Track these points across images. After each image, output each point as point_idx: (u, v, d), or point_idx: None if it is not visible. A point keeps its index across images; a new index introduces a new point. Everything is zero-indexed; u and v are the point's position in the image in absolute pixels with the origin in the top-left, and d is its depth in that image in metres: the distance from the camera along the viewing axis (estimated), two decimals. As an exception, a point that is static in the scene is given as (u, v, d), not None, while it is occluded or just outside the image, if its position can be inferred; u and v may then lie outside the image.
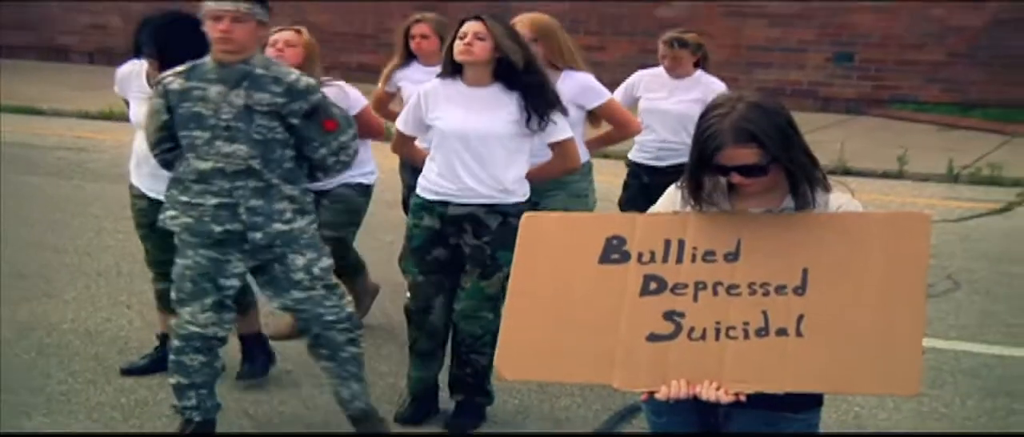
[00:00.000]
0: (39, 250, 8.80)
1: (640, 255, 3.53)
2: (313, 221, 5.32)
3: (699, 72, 7.54)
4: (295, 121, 5.08)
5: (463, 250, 5.55)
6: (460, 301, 5.58)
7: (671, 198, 3.70)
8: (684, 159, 7.21)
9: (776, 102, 3.54)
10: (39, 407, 5.97)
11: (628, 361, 3.43)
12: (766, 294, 3.42)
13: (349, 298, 5.44)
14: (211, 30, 5.00)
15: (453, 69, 5.53)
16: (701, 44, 7.53)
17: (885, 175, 12.63)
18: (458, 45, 5.44)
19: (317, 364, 5.52)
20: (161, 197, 5.40)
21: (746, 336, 3.39)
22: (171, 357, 5.36)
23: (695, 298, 3.45)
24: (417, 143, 5.94)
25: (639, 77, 7.62)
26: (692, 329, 3.42)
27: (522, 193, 5.57)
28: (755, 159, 3.44)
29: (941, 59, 16.69)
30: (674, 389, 3.35)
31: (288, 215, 5.16)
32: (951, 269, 8.78)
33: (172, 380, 5.37)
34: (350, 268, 6.81)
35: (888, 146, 13.68)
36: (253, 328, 6.32)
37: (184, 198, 5.15)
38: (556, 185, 6.07)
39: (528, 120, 5.45)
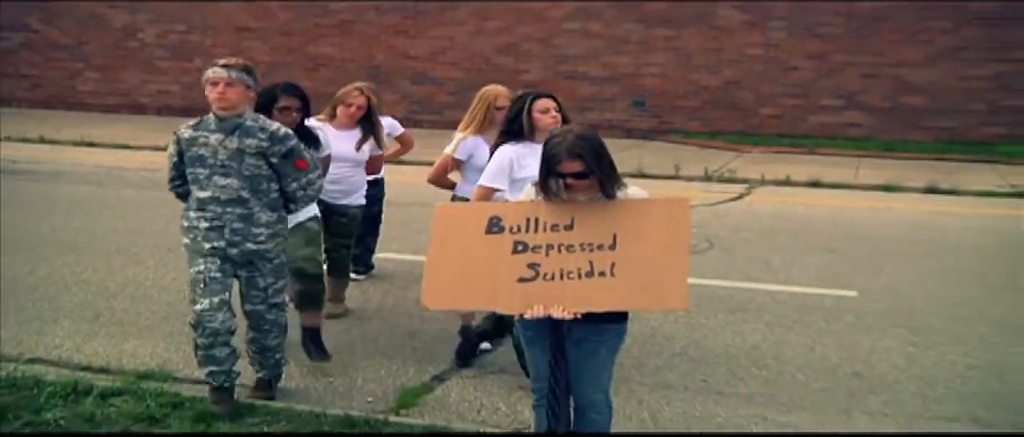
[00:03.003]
0: (131, 235, 8.57)
1: (511, 228, 3.54)
2: (281, 244, 4.58)
3: None
4: (275, 160, 4.43)
5: None
6: None
7: (528, 193, 3.70)
8: None
9: (594, 132, 3.57)
10: (133, 334, 5.84)
11: (507, 295, 3.45)
12: (591, 251, 3.45)
13: (286, 312, 4.73)
14: (210, 92, 4.36)
15: (527, 131, 4.72)
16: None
17: (667, 177, 12.74)
18: (544, 117, 4.69)
19: (247, 337, 4.73)
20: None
21: (580, 277, 3.42)
22: (200, 353, 4.47)
23: (547, 254, 3.47)
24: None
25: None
26: (546, 274, 3.44)
27: None
28: (581, 169, 3.47)
29: (698, 105, 16.90)
30: (536, 310, 3.39)
31: (261, 238, 4.47)
32: (707, 234, 8.92)
33: (206, 370, 4.48)
34: (345, 267, 6.12)
35: (668, 159, 13.81)
36: (315, 323, 5.37)
37: (185, 223, 4.54)
38: None
39: None
